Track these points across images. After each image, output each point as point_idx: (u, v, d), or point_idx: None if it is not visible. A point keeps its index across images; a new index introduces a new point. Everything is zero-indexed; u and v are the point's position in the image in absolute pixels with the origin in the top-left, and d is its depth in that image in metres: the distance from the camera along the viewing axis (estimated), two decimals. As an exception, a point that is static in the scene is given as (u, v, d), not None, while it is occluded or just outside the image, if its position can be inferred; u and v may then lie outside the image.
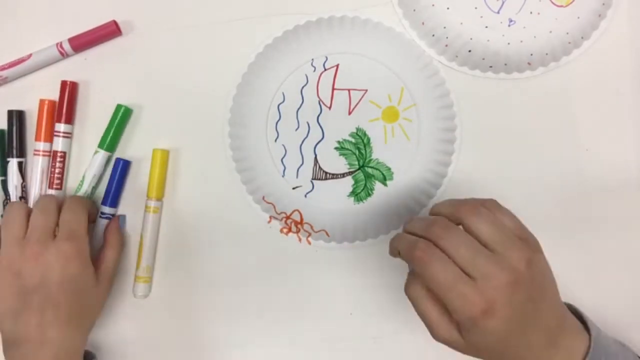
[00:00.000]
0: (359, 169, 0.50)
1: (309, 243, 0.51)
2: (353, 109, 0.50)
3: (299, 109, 0.50)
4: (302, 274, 0.51)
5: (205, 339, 0.51)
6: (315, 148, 0.50)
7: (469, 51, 0.49)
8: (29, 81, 0.50)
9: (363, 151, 0.50)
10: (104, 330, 0.51)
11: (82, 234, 0.44)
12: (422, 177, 0.50)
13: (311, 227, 0.50)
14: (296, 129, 0.50)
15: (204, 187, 0.50)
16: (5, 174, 0.50)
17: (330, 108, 0.50)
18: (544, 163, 0.51)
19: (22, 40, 0.50)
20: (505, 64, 0.49)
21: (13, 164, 0.50)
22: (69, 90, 0.49)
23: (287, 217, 0.50)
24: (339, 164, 0.50)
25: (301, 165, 0.50)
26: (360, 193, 0.50)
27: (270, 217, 0.50)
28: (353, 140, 0.50)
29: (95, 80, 0.50)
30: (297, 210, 0.50)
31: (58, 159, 0.49)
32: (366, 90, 0.50)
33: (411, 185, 0.50)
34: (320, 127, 0.50)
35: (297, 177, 0.50)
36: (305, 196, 0.50)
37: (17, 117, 0.50)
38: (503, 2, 0.48)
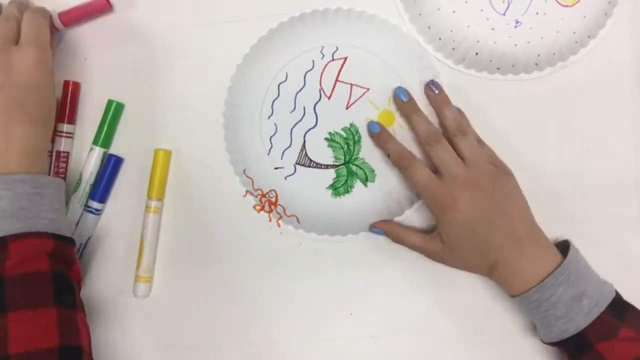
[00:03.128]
0: (343, 164, 0.50)
1: (279, 226, 0.51)
2: (351, 104, 0.50)
3: (298, 92, 0.50)
4: (303, 273, 0.51)
5: (205, 339, 0.52)
6: (305, 134, 0.50)
7: (476, 54, 0.49)
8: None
9: (352, 147, 0.50)
10: (104, 330, 0.51)
11: (45, 42, 0.44)
12: (403, 184, 0.50)
13: (284, 209, 0.50)
14: (291, 111, 0.50)
15: (201, 184, 0.51)
16: None
17: (329, 98, 0.50)
18: (545, 163, 0.51)
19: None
20: (513, 65, 0.49)
21: None
22: (71, 91, 0.50)
23: (263, 195, 0.50)
24: (325, 155, 0.50)
25: (288, 147, 0.50)
26: (339, 188, 0.50)
27: (247, 192, 0.51)
28: (344, 134, 0.50)
29: (95, 80, 0.51)
30: (274, 190, 0.50)
31: (61, 159, 0.50)
32: (368, 89, 0.50)
33: (390, 192, 0.50)
34: (316, 114, 0.50)
35: (281, 158, 0.50)
36: (286, 179, 0.50)
37: None
38: (509, 4, 0.49)
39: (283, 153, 0.50)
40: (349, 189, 0.51)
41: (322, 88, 0.50)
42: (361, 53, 0.50)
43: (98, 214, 0.50)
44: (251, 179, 0.50)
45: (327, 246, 0.51)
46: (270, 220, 0.51)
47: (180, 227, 0.52)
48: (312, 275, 0.51)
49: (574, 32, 0.49)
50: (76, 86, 0.50)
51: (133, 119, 0.51)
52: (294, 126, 0.50)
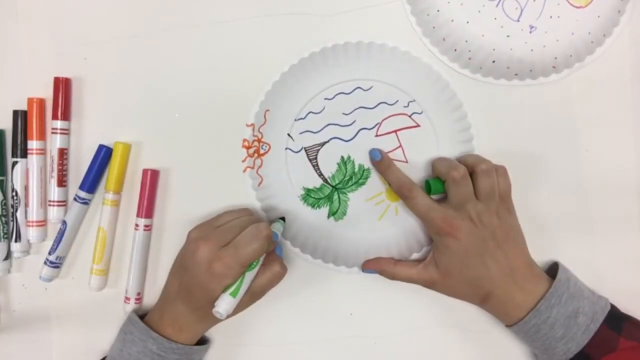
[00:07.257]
0: (332, 186, 0.51)
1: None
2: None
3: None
4: (302, 273, 0.51)
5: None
6: (333, 139, 0.50)
7: (493, 62, 0.49)
8: (28, 81, 0.51)
9: (349, 181, 0.51)
10: (102, 331, 0.51)
11: (246, 263, 0.44)
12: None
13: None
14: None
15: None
16: (4, 173, 0.50)
17: (377, 134, 0.50)
18: (547, 162, 0.51)
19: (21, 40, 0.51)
20: (531, 70, 0.49)
21: (22, 164, 0.50)
22: (63, 87, 0.49)
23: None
24: (328, 167, 0.51)
25: (312, 132, 0.50)
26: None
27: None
28: (356, 168, 0.51)
29: (96, 80, 0.51)
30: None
31: (63, 157, 0.50)
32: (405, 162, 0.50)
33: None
34: (355, 134, 0.50)
35: (299, 133, 0.50)
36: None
37: (22, 118, 0.50)
38: (522, 10, 0.48)
39: (302, 133, 0.50)
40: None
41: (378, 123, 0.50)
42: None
43: (85, 204, 0.50)
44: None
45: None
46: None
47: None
48: (312, 274, 0.51)
49: (589, 33, 0.48)
50: (67, 82, 0.50)
51: (131, 117, 0.51)
52: (327, 125, 0.50)
